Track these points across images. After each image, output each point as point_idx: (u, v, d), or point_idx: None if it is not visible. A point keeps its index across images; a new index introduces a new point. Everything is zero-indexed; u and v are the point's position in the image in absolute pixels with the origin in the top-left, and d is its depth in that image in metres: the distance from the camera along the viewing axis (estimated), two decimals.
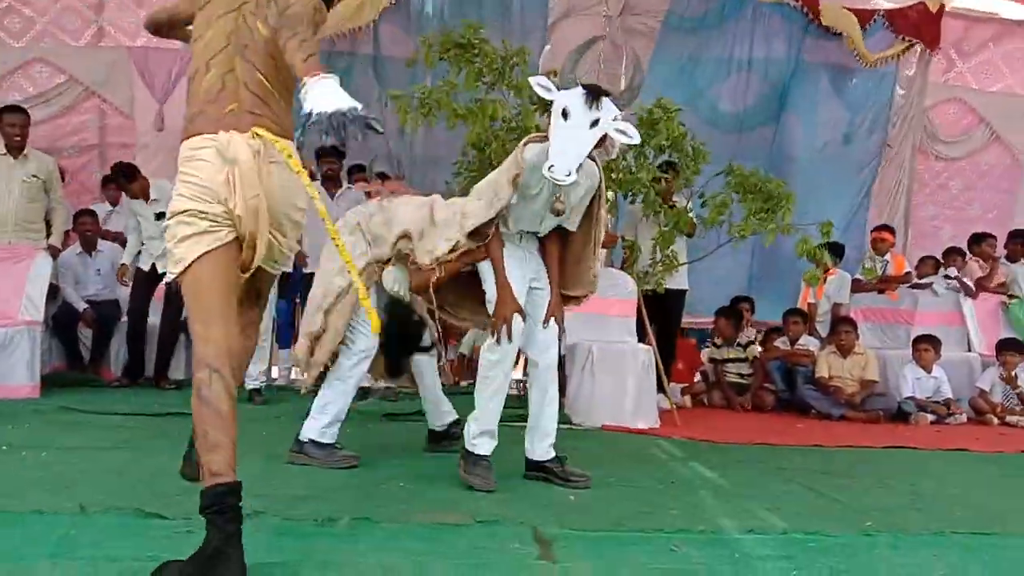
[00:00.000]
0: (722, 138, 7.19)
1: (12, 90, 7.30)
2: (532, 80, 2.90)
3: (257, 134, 2.01)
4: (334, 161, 6.29)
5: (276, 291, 5.42)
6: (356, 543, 2.13)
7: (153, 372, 5.97)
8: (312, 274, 6.03)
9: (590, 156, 2.90)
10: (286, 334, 6.72)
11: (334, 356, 3.37)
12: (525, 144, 2.98)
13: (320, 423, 3.34)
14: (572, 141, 2.74)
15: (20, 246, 5.37)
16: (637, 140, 2.91)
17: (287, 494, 2.69)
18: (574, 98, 2.76)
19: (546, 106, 3.64)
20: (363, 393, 5.69)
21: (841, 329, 6.28)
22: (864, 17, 7.86)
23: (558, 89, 2.83)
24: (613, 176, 4.68)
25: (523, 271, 3.07)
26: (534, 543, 2.23)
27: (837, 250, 6.74)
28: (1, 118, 5.51)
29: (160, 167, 7.51)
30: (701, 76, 7.66)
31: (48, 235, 5.64)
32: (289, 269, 5.40)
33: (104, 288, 6.25)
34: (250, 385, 5.31)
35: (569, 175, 2.69)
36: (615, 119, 2.79)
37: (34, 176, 5.47)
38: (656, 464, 3.72)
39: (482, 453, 2.99)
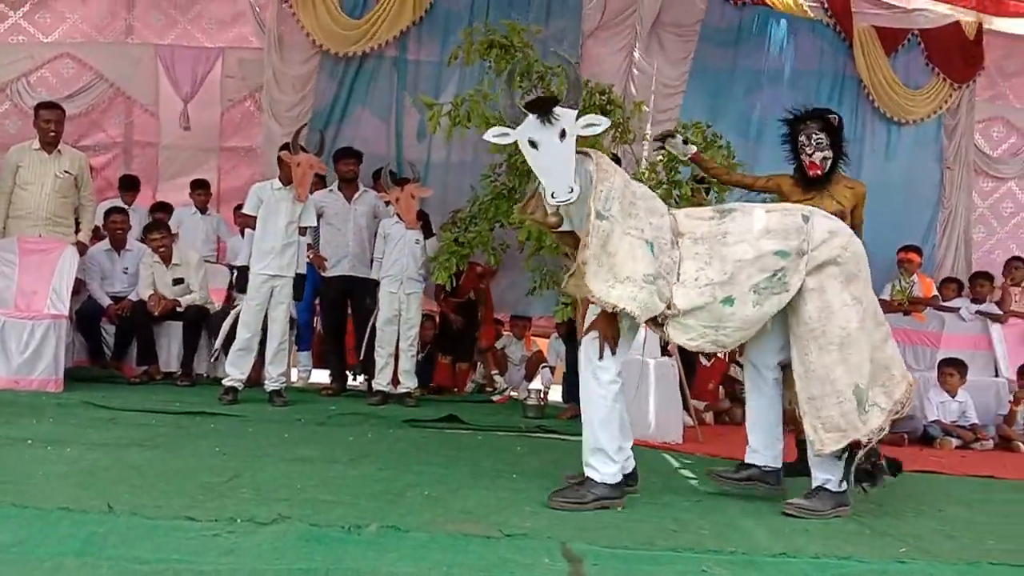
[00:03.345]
0: (757, 150, 7.20)
1: (40, 85, 7.40)
2: (487, 135, 2.89)
3: None
4: (353, 162, 6.27)
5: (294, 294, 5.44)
6: (385, 552, 2.10)
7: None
8: (335, 278, 6.12)
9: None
10: (306, 337, 6.72)
11: None
12: None
13: None
14: (555, 163, 2.76)
15: (50, 240, 5.42)
16: (607, 123, 2.89)
17: (312, 498, 2.66)
18: (531, 127, 2.78)
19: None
20: (383, 398, 5.70)
21: None
22: (896, 38, 7.85)
23: (511, 126, 2.82)
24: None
25: None
26: (564, 559, 2.19)
27: None
28: (37, 113, 5.58)
29: (183, 167, 7.58)
30: (737, 88, 7.67)
31: (77, 231, 5.68)
32: (302, 270, 5.41)
33: (130, 286, 6.30)
34: (270, 387, 5.31)
35: (572, 191, 2.73)
36: (577, 119, 2.79)
37: (67, 172, 5.52)
38: (682, 481, 3.68)
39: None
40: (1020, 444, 5.94)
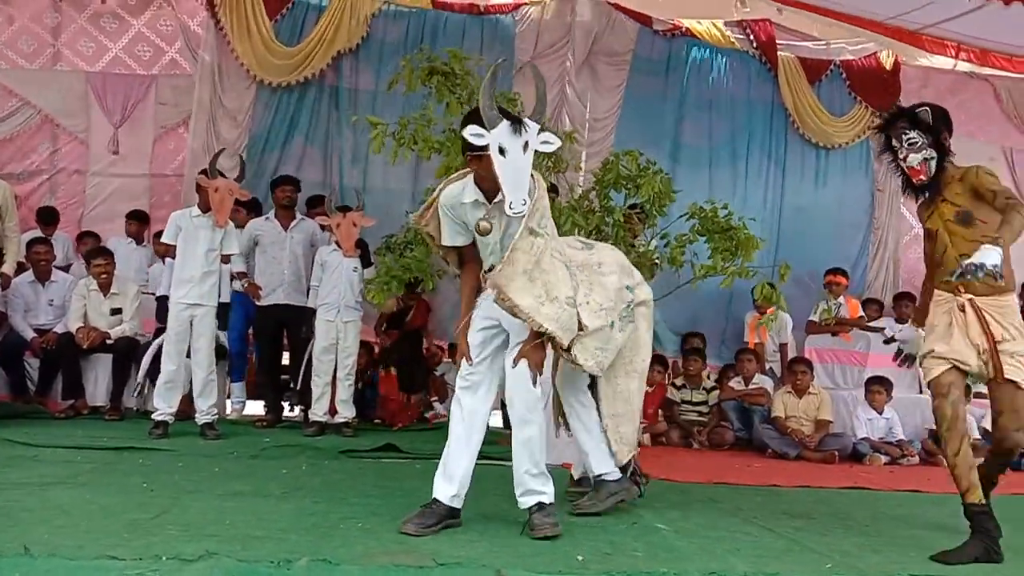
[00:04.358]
0: (687, 175, 7.38)
1: None
2: (465, 132, 2.85)
3: None
4: (292, 189, 6.19)
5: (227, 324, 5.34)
6: None
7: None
8: (270, 307, 6.03)
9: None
10: (239, 367, 6.58)
11: None
12: (441, 191, 3.02)
13: None
14: (517, 172, 2.79)
15: None
16: (559, 143, 2.97)
17: (242, 534, 2.61)
18: (504, 133, 2.79)
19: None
20: (320, 428, 5.61)
21: (797, 369, 6.35)
22: (819, 68, 8.15)
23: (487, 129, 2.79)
24: (579, 213, 4.71)
25: (486, 311, 3.04)
26: None
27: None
28: None
29: (113, 194, 7.39)
30: (668, 116, 7.83)
31: (1, 263, 5.47)
32: (226, 299, 5.31)
33: (55, 318, 6.10)
34: (201, 420, 5.18)
35: (525, 203, 2.76)
36: (538, 134, 2.86)
37: None
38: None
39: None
40: (944, 459, 6.13)
